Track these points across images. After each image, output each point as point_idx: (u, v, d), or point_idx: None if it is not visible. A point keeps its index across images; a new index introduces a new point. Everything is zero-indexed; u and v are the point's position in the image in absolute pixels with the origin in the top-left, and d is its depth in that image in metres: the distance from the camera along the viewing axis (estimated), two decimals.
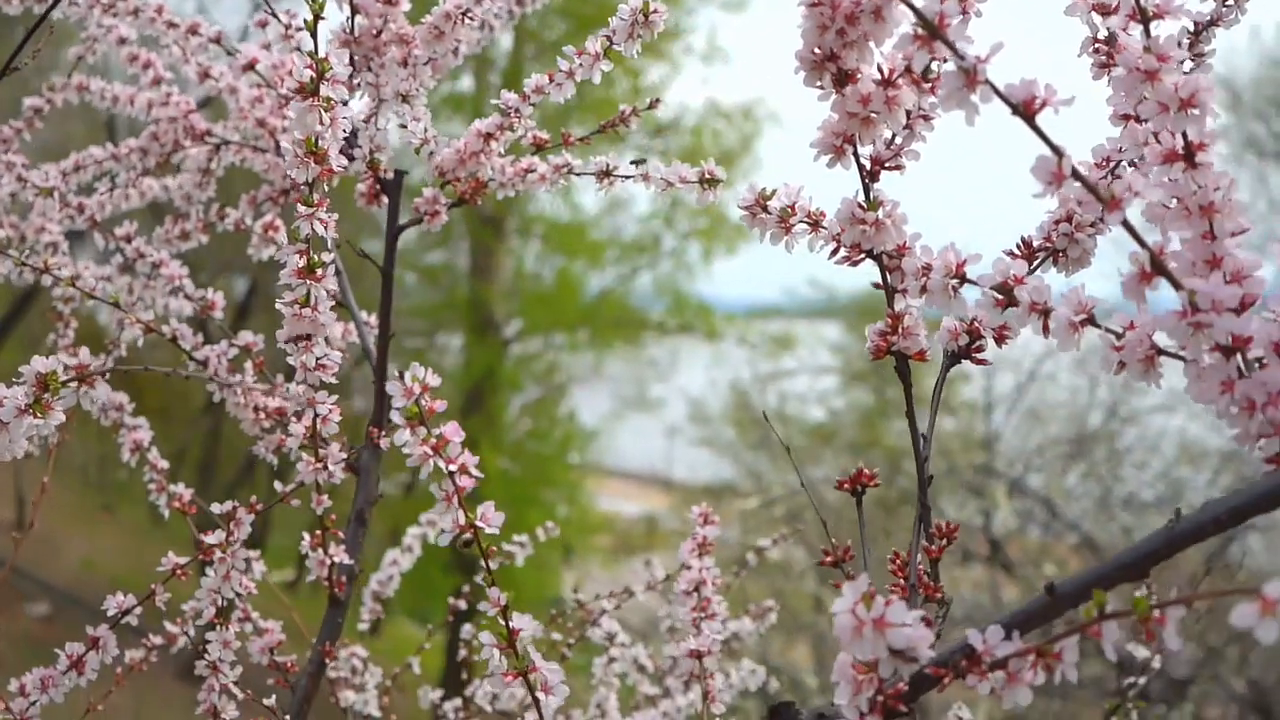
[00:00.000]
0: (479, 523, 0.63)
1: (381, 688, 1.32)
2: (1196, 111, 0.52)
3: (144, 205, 1.30)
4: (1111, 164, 0.69)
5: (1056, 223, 0.68)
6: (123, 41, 1.18)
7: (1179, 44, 0.71)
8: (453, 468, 0.62)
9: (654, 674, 1.41)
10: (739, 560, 1.69)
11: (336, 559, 0.96)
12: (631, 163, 0.94)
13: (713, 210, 11.53)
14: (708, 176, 0.83)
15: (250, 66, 1.05)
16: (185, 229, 1.18)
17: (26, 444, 0.98)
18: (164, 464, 1.09)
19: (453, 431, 0.62)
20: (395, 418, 0.61)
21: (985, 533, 5.49)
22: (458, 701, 1.37)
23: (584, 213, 11.87)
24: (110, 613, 0.90)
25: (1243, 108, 9.28)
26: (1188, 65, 0.71)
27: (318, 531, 0.95)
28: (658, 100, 0.98)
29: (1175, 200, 0.54)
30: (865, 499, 0.69)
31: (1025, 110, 0.50)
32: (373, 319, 1.10)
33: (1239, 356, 0.51)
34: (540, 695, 0.64)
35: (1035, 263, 0.68)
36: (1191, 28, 0.72)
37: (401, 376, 0.60)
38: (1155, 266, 0.51)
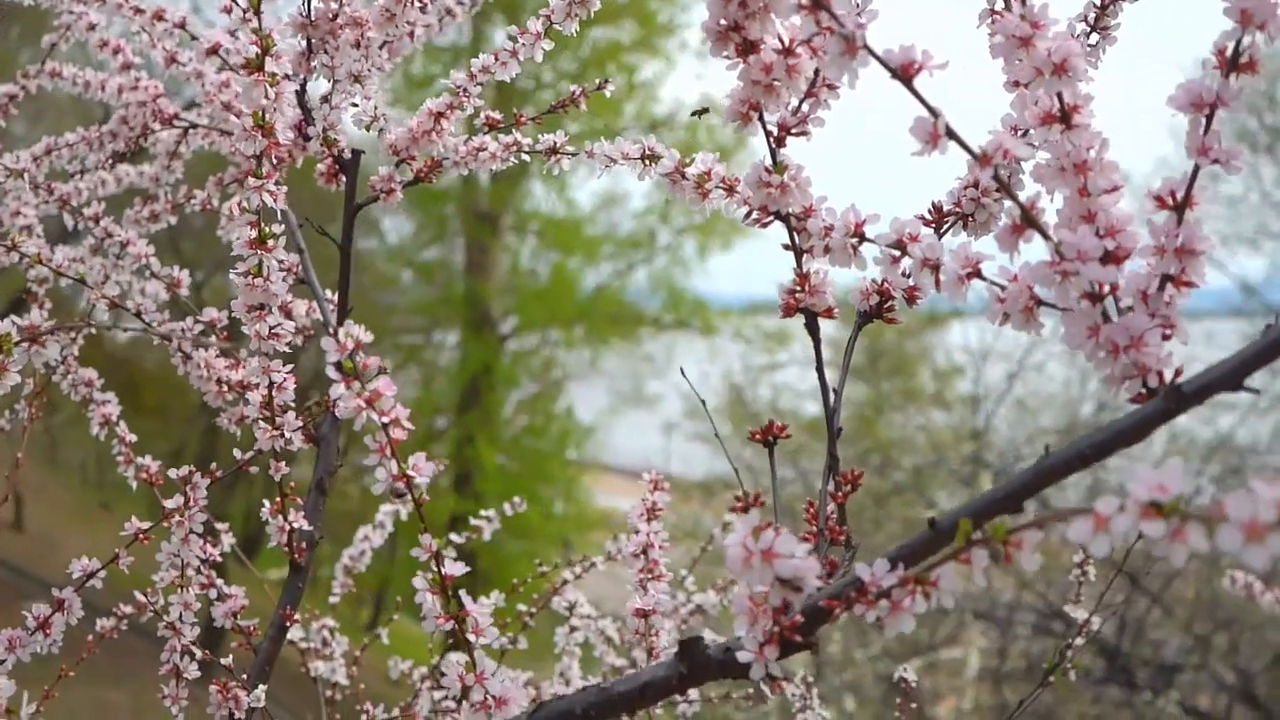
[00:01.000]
0: (410, 472, 0.66)
1: (349, 657, 1.36)
2: (1070, 75, 0.56)
3: (120, 191, 1.34)
4: (1019, 132, 0.72)
5: (965, 188, 0.72)
6: (92, 27, 1.21)
7: (1085, 18, 0.75)
8: (386, 419, 0.65)
9: (621, 646, 1.45)
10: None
11: (296, 525, 1.00)
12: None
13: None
14: (648, 153, 0.86)
15: (214, 51, 1.08)
16: (154, 210, 1.22)
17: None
18: (132, 437, 1.12)
19: (385, 386, 0.66)
20: (331, 372, 0.64)
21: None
22: (424, 669, 1.41)
23: (579, 209, 11.91)
24: (75, 576, 0.94)
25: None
26: (1094, 39, 0.75)
27: (277, 499, 0.98)
28: (606, 81, 1.02)
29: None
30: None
31: (904, 74, 0.54)
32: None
33: (1105, 303, 0.54)
34: (471, 637, 0.67)
35: (945, 226, 0.72)
36: (1098, 2, 0.75)
37: (336, 335, 0.64)
38: (1026, 219, 0.55)
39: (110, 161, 1.22)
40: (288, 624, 1.01)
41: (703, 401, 1.02)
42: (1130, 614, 6.23)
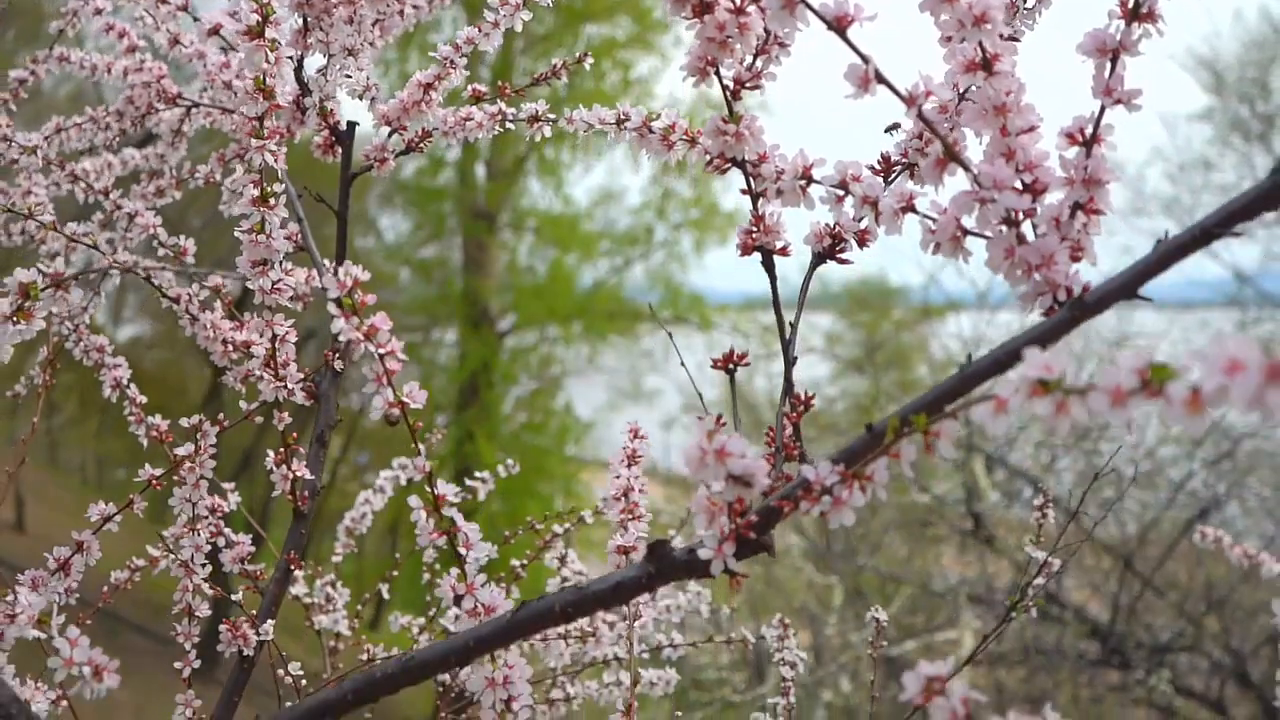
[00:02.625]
0: (405, 399, 0.73)
1: (350, 610, 1.42)
2: (989, 27, 0.62)
3: (126, 173, 1.40)
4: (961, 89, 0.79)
5: (911, 139, 0.78)
6: (99, 12, 1.28)
7: None
8: (382, 350, 0.72)
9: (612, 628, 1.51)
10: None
11: (299, 474, 1.06)
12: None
13: (704, 201, 11.64)
14: (619, 118, 0.92)
15: (215, 31, 1.15)
16: (160, 186, 1.28)
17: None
18: (143, 399, 1.19)
19: (382, 320, 0.72)
20: (331, 307, 0.71)
21: (968, 506, 5.60)
22: (422, 620, 1.47)
23: (576, 205, 11.97)
24: (93, 519, 1.00)
25: (1226, 90, 9.37)
26: (1030, 3, 0.81)
27: (281, 449, 1.05)
28: (586, 54, 1.08)
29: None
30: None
31: (838, 25, 0.60)
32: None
33: (1022, 229, 0.61)
34: (462, 551, 0.74)
35: (893, 174, 0.78)
36: None
37: (335, 272, 0.70)
38: (948, 154, 0.61)
39: (117, 142, 1.29)
40: (292, 568, 1.08)
41: (700, 394, 1.08)
42: (1123, 597, 6.30)
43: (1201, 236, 0.54)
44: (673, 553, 0.67)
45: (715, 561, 0.64)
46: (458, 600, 0.73)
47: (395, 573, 1.56)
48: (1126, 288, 0.56)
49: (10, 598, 0.75)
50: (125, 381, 1.20)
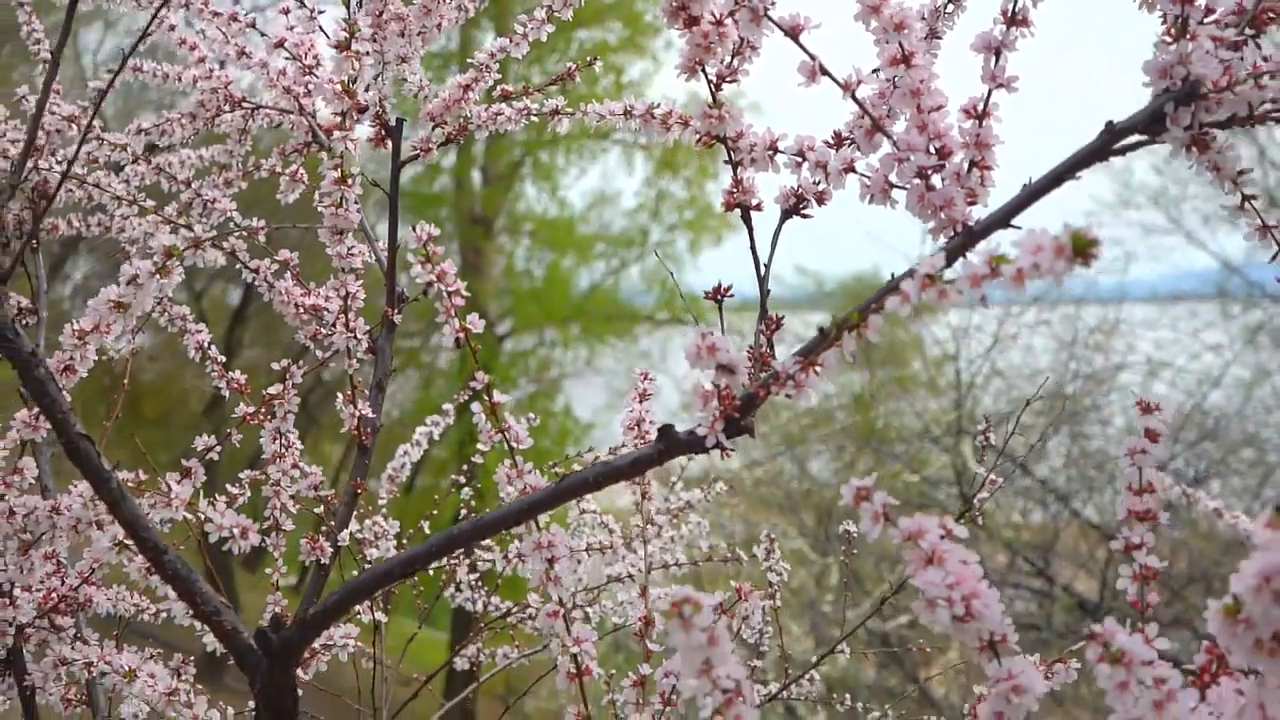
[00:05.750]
0: (468, 325, 0.94)
1: (400, 541, 1.63)
2: (907, 31, 0.84)
3: (201, 167, 1.61)
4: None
5: (853, 118, 0.99)
6: (173, 28, 1.49)
7: None
8: (451, 289, 0.93)
9: (624, 538, 1.73)
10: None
11: (363, 413, 1.27)
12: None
13: (698, 203, 11.86)
14: (626, 109, 1.14)
15: (280, 44, 1.36)
16: (229, 177, 1.49)
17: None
18: (222, 358, 1.40)
19: (449, 266, 0.93)
20: (411, 257, 0.92)
21: (958, 487, 5.83)
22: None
23: (571, 208, 12.18)
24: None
25: None
26: (950, 8, 1.03)
27: (349, 391, 1.26)
28: (595, 58, 1.30)
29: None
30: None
31: (792, 32, 0.82)
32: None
33: (930, 181, 0.82)
34: (512, 444, 0.95)
35: (843, 146, 0.99)
36: None
37: (415, 228, 0.91)
38: (875, 126, 0.83)
39: (191, 140, 1.50)
40: (358, 491, 1.29)
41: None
42: (1109, 574, 6.53)
43: (1052, 180, 0.76)
44: (678, 433, 0.88)
45: (709, 437, 0.85)
46: (509, 483, 0.94)
47: (435, 512, 1.77)
48: (1001, 220, 0.78)
49: (165, 487, 0.96)
50: (206, 344, 1.41)
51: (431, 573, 1.76)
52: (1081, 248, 0.59)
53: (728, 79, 0.92)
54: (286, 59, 1.39)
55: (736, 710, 0.71)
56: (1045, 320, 7.61)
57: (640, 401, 1.27)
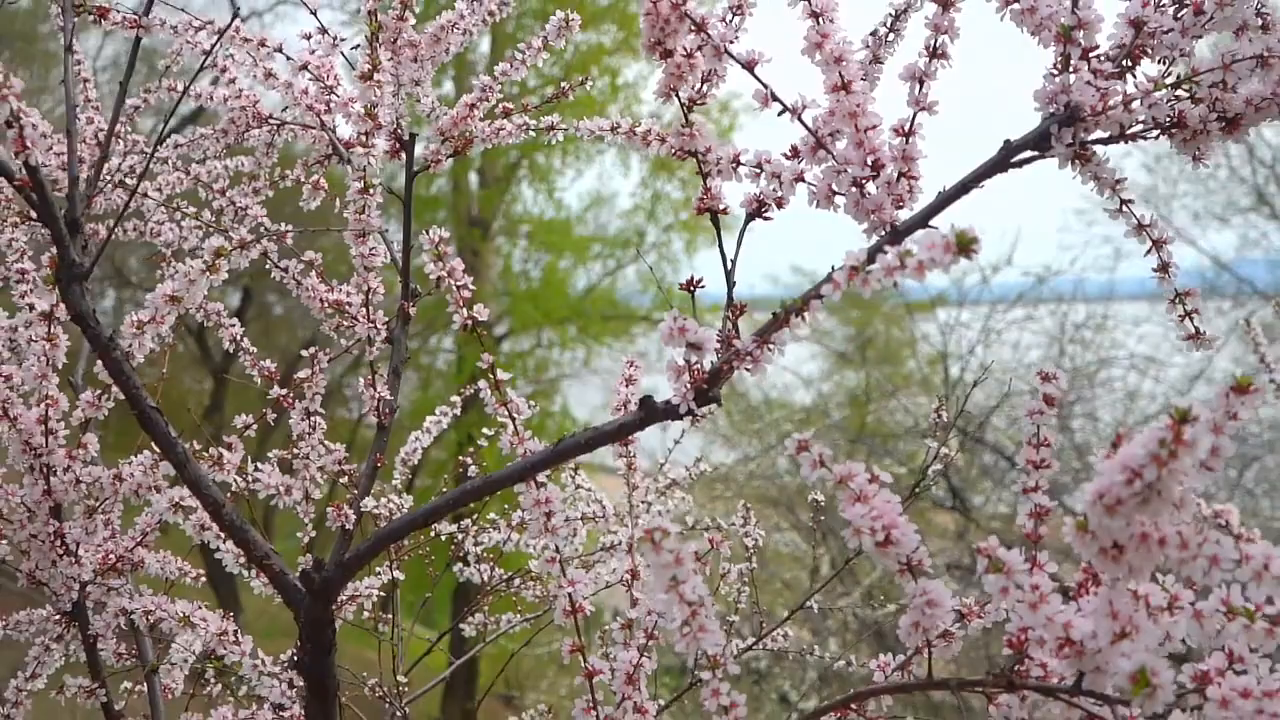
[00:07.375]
0: (474, 314, 1.10)
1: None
2: (845, 63, 1.00)
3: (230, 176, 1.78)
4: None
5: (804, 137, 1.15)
6: (206, 52, 1.65)
7: (884, 24, 1.19)
8: (459, 283, 1.09)
9: (617, 516, 1.89)
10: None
11: (382, 395, 1.43)
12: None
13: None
14: (613, 126, 1.30)
15: (304, 66, 1.52)
16: (257, 186, 1.65)
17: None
18: (254, 350, 1.55)
19: (459, 264, 1.10)
20: (424, 256, 1.08)
21: (946, 479, 5.99)
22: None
23: (568, 210, 12.33)
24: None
25: None
26: (890, 37, 1.19)
27: (369, 375, 1.42)
28: (586, 78, 1.46)
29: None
30: None
31: (748, 65, 0.98)
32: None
33: (865, 189, 0.98)
34: (513, 415, 1.11)
35: (798, 159, 1.15)
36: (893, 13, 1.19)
37: (428, 231, 1.08)
38: (818, 144, 0.99)
39: (224, 152, 1.66)
40: (378, 465, 1.45)
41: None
42: None
43: (960, 189, 0.92)
44: (656, 403, 1.04)
45: (682, 405, 1.01)
46: (512, 445, 1.10)
47: (448, 476, 1.92)
48: (920, 222, 0.94)
49: (216, 454, 1.12)
50: (239, 337, 1.57)
51: (444, 538, 1.92)
52: (965, 244, 0.76)
53: (698, 102, 1.08)
54: (309, 80, 1.56)
55: (700, 621, 0.88)
56: (1031, 316, 7.79)
57: (627, 385, 1.43)
